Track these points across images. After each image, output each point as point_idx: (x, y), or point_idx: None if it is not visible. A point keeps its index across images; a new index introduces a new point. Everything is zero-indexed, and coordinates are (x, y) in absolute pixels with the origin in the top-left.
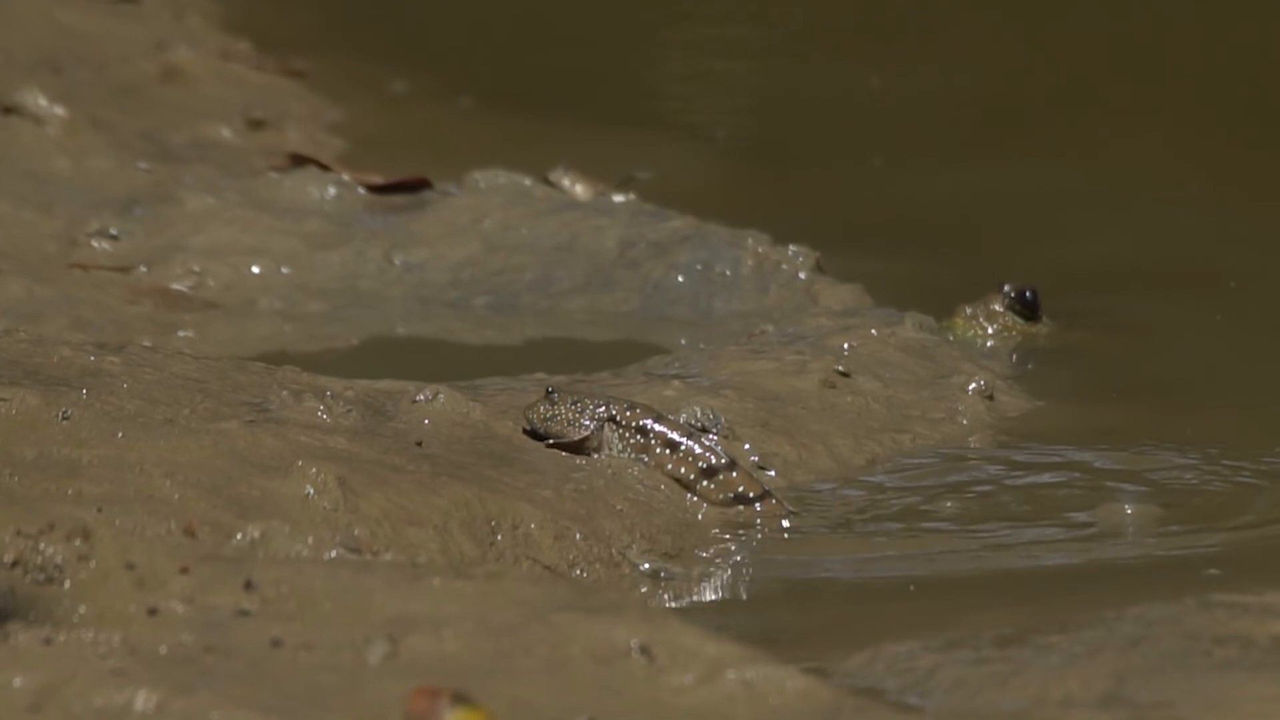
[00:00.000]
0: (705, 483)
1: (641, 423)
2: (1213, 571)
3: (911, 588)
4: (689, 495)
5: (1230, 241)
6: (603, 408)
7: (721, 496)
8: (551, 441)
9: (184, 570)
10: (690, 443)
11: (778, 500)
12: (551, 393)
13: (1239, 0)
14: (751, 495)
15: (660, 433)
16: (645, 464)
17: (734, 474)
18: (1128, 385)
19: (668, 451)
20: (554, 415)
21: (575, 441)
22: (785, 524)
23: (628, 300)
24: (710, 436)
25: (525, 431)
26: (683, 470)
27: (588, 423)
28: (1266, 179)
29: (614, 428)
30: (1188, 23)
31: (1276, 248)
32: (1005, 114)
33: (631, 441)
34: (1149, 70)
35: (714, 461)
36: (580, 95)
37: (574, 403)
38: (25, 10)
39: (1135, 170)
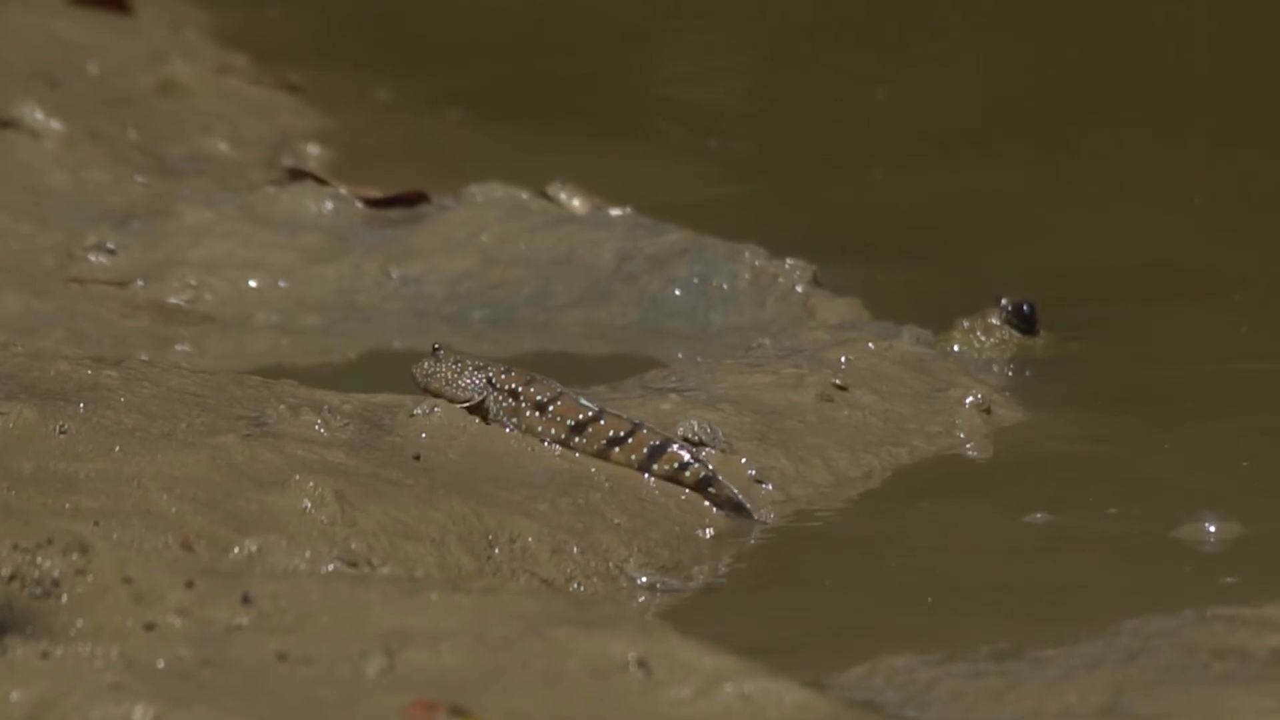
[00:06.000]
0: (577, 438)
1: (513, 386)
2: (1229, 580)
3: (944, 601)
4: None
5: (1230, 251)
6: (480, 371)
7: (595, 447)
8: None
9: (189, 584)
10: (558, 403)
11: (649, 430)
12: (437, 349)
13: (1236, 6)
14: (622, 434)
15: (530, 395)
16: (517, 426)
17: (602, 422)
18: (1125, 396)
19: (536, 414)
20: (435, 372)
21: (464, 404)
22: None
23: (625, 314)
24: (581, 396)
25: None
26: (553, 430)
27: (467, 383)
28: (1266, 188)
29: (490, 389)
30: (1189, 32)
31: (1273, 253)
32: (1003, 126)
33: (504, 405)
34: (1149, 81)
35: (581, 417)
36: (577, 108)
37: (455, 362)
38: (22, 23)
39: (1135, 181)
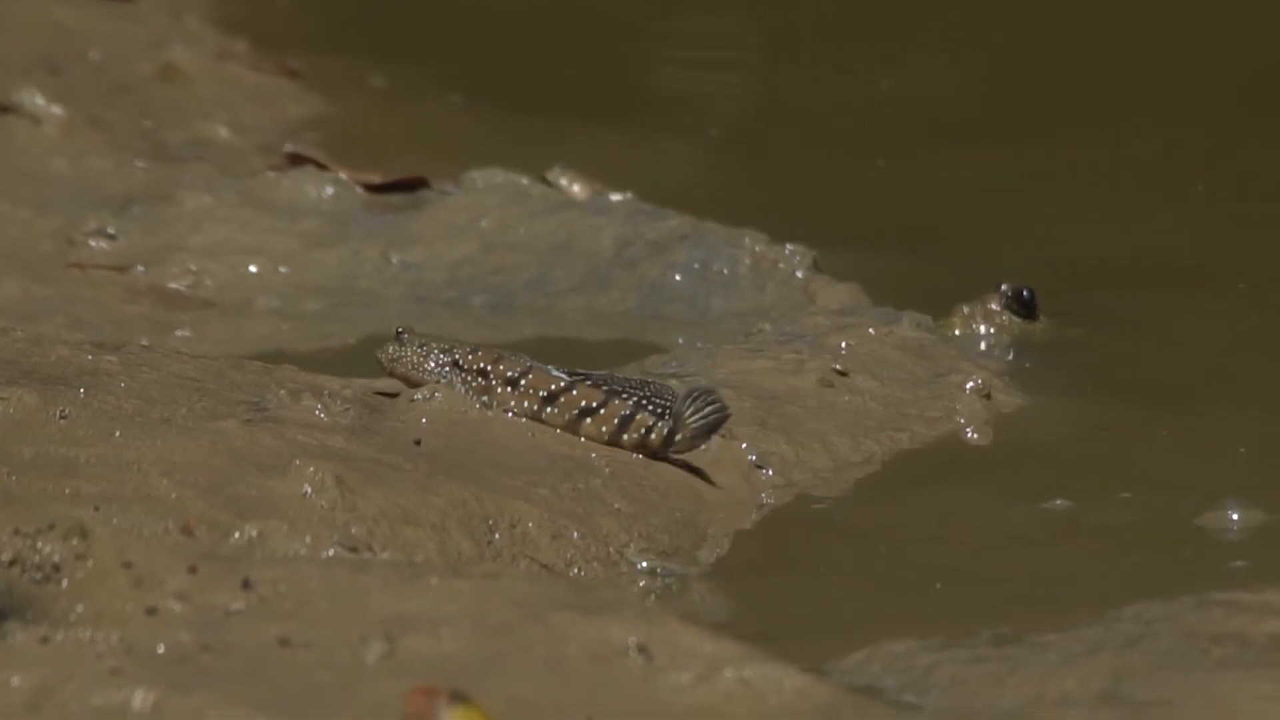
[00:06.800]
0: (549, 409)
1: (481, 365)
2: (1239, 563)
3: (944, 586)
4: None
5: (1233, 242)
6: (446, 354)
7: (566, 417)
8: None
9: (191, 569)
10: (529, 377)
11: (620, 401)
12: (401, 333)
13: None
14: (594, 405)
15: (500, 372)
16: (488, 404)
17: (574, 392)
18: (1124, 382)
19: (509, 389)
20: (401, 357)
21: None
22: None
23: (625, 299)
24: (552, 369)
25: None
26: (525, 404)
27: (432, 366)
28: (1263, 176)
29: (457, 372)
30: (1190, 25)
31: (1273, 244)
32: (1004, 118)
33: (474, 385)
34: (1151, 74)
35: (553, 388)
36: (578, 94)
37: (420, 346)
38: (23, 10)
39: (1133, 169)
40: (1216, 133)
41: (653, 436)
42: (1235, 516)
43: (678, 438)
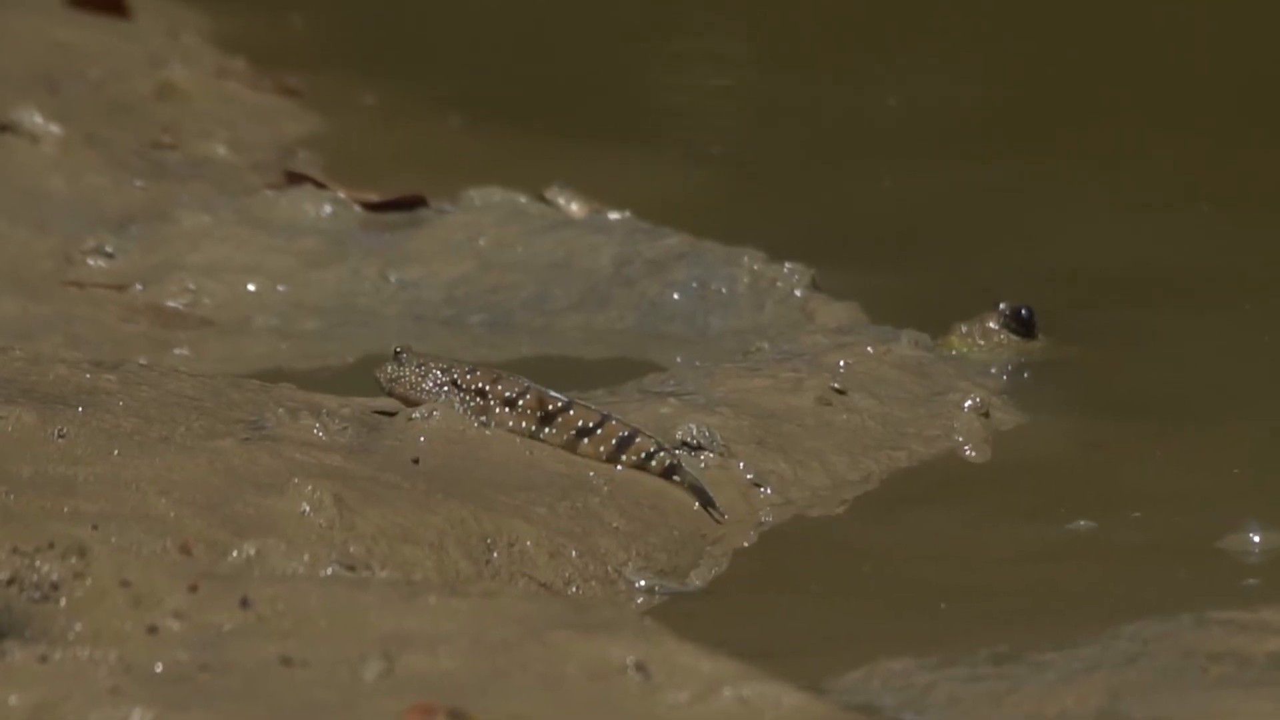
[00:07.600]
0: (547, 429)
1: (480, 385)
2: (1251, 581)
3: (942, 605)
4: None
5: (1230, 250)
6: (444, 373)
7: (564, 437)
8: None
9: (190, 588)
10: (527, 397)
11: (617, 422)
12: (400, 353)
13: (1238, 6)
14: (591, 425)
15: (498, 392)
16: (486, 423)
17: (571, 412)
18: (1123, 399)
19: (506, 410)
20: (399, 377)
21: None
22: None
23: (623, 318)
24: (550, 389)
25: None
26: (523, 424)
27: (430, 385)
28: (1266, 186)
29: (455, 391)
30: (1192, 32)
31: (1275, 255)
32: (1003, 129)
33: (472, 404)
34: (1148, 81)
35: (550, 408)
36: (577, 112)
37: (419, 366)
38: (21, 28)
39: (1139, 185)
40: (1219, 142)
41: (653, 464)
42: (1256, 539)
43: (675, 478)
